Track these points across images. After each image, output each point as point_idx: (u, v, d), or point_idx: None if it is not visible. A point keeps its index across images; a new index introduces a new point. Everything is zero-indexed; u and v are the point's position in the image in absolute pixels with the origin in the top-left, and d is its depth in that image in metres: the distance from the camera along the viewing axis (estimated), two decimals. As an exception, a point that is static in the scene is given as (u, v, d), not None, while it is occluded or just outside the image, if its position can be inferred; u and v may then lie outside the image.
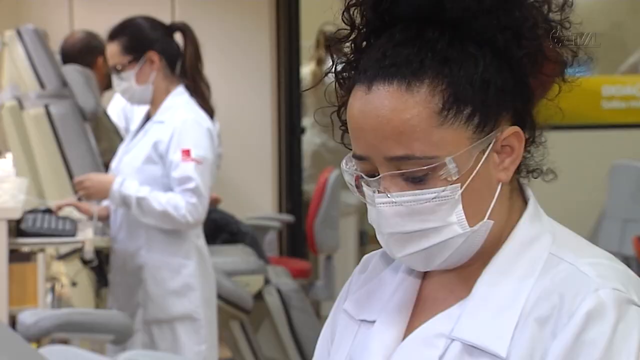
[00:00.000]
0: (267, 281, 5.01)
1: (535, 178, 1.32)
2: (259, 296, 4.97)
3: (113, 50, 3.77)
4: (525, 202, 1.32)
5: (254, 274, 4.98)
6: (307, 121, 6.62)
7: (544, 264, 1.25)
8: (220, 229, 5.45)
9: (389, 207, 1.25)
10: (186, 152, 3.66)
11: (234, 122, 6.25)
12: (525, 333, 1.21)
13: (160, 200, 3.64)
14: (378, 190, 1.25)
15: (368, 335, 1.34)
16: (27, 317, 3.33)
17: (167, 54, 3.79)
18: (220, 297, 4.60)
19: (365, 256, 1.46)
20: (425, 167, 1.22)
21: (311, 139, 6.64)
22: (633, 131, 6.45)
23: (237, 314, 4.84)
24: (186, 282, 3.81)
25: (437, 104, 1.22)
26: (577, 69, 1.29)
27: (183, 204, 3.63)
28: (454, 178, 1.22)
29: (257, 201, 6.37)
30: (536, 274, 1.24)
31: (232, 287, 4.76)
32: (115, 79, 3.80)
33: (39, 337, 3.41)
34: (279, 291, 5.00)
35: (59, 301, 4.32)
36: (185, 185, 3.64)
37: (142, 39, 3.76)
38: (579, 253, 1.26)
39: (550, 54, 1.26)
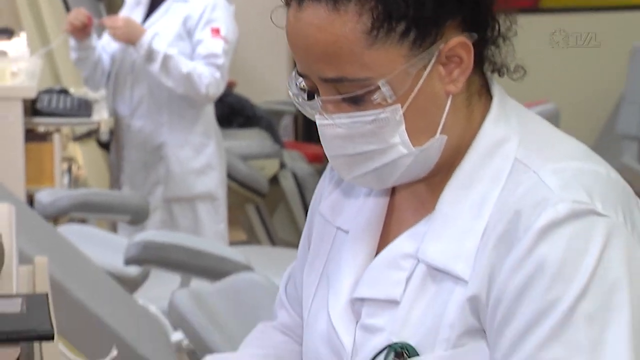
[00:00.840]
0: (282, 165, 5.02)
1: (501, 76, 1.24)
2: (274, 180, 4.99)
3: None
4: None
5: (270, 157, 4.99)
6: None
7: (508, 172, 1.19)
8: (235, 112, 5.44)
9: (329, 129, 1.19)
10: (216, 30, 3.69)
11: (249, 4, 6.18)
12: (485, 253, 1.16)
13: (188, 64, 3.66)
14: (319, 112, 1.20)
15: (341, 250, 1.30)
16: (44, 196, 3.35)
17: None
18: (235, 180, 4.61)
19: None
20: (359, 91, 1.16)
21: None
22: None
23: (252, 197, 4.85)
24: (208, 161, 3.86)
25: (365, 23, 1.14)
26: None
27: (208, 75, 3.67)
28: (390, 101, 1.16)
29: (273, 85, 6.33)
30: (499, 186, 1.18)
31: (248, 171, 4.76)
32: None
33: (56, 216, 3.43)
34: (294, 175, 5.01)
35: (75, 182, 4.33)
36: (212, 60, 3.68)
37: None
38: (546, 155, 1.19)
39: None
